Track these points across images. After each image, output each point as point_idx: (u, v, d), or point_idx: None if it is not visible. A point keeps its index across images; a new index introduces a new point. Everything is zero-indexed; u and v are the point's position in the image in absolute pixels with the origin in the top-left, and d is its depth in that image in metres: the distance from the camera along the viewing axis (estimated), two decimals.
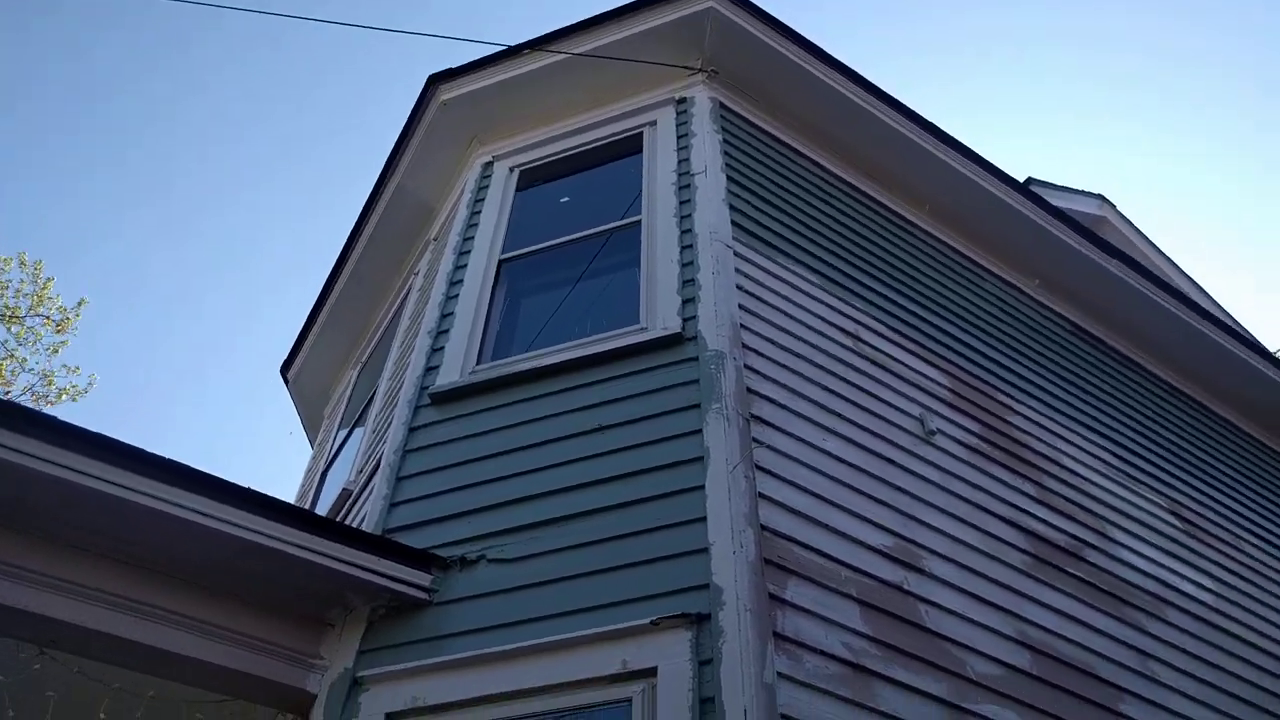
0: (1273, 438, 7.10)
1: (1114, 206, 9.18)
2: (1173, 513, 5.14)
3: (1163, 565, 4.62)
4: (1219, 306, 9.52)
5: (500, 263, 4.60)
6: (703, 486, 3.05)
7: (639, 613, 2.80)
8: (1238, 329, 8.95)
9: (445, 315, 4.37)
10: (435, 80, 5.41)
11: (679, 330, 3.63)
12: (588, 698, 2.67)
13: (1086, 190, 8.97)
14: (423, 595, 3.12)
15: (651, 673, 2.63)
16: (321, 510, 5.11)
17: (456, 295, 4.45)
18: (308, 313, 6.87)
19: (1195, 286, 9.49)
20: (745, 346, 3.63)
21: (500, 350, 4.16)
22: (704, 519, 2.96)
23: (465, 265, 4.62)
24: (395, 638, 3.05)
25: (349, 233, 6.34)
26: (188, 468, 2.92)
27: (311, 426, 7.40)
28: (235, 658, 2.94)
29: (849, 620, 2.99)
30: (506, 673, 2.80)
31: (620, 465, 3.29)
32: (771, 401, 3.53)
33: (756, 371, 3.59)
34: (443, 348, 4.15)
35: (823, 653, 2.81)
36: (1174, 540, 4.89)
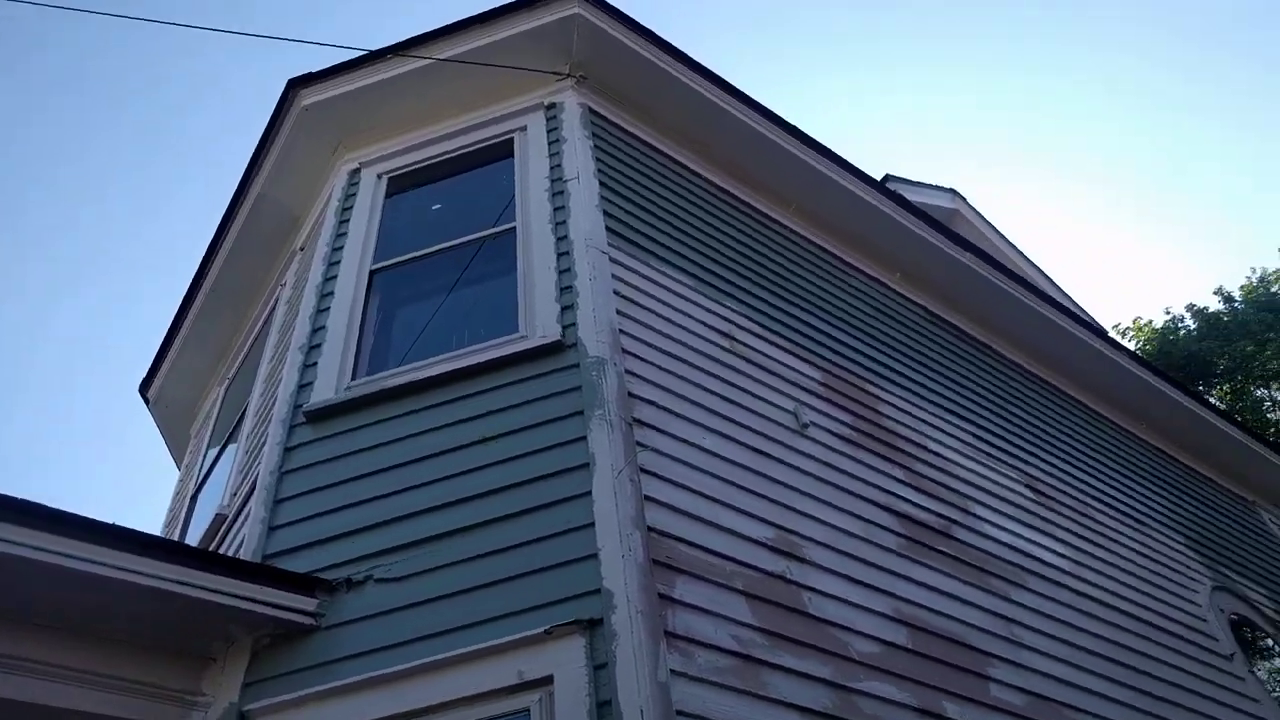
0: (1112, 410, 7.67)
1: (965, 200, 9.70)
2: (1028, 486, 5.50)
3: (1021, 536, 4.93)
4: (1061, 291, 10.20)
5: (372, 273, 4.51)
6: (589, 493, 3.09)
7: (533, 622, 2.82)
8: (1078, 312, 9.62)
9: (316, 329, 4.25)
10: (295, 84, 5.25)
11: (559, 338, 3.65)
12: (485, 711, 2.67)
13: (940, 185, 9.45)
14: (309, 621, 3.05)
15: (548, 681, 2.66)
16: (194, 536, 4.89)
17: (327, 308, 4.33)
18: (166, 328, 6.55)
19: (1040, 273, 10.13)
20: (625, 351, 3.68)
21: (376, 364, 4.09)
22: (592, 525, 3.00)
23: (335, 276, 4.51)
24: (282, 667, 2.96)
25: (209, 243, 6.07)
26: (43, 507, 2.75)
27: (177, 446, 7.05)
28: (114, 704, 2.80)
29: (736, 613, 3.08)
30: (401, 693, 2.76)
31: (505, 476, 3.29)
32: (652, 404, 3.59)
33: (636, 375, 3.65)
34: (315, 363, 4.04)
35: (713, 647, 2.90)
36: (1030, 512, 5.24)
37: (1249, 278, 22.65)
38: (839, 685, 3.15)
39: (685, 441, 3.57)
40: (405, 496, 3.34)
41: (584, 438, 3.27)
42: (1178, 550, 6.35)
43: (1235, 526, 7.66)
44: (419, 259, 4.60)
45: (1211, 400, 19.69)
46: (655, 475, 3.29)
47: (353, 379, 3.92)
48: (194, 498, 5.62)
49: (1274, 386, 20.18)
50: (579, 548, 2.98)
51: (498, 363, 3.68)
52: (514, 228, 4.39)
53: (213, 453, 5.68)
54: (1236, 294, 21.92)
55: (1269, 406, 20.62)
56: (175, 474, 6.90)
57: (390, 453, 3.52)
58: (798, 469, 3.98)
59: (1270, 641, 6.49)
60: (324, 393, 3.85)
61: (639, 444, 3.34)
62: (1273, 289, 21.47)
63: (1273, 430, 20.14)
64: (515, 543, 3.09)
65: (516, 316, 3.90)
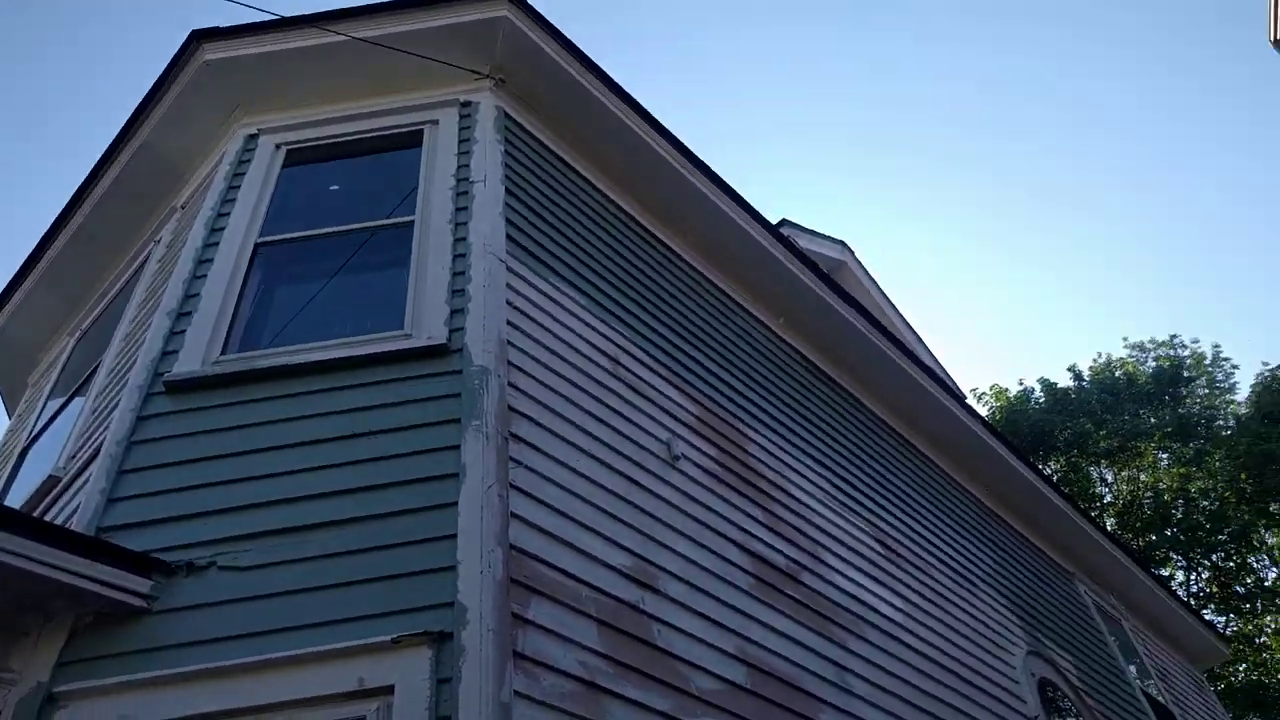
0: (958, 471, 8.10)
1: (853, 253, 10.08)
2: (877, 539, 5.74)
3: (865, 588, 5.15)
4: (929, 351, 10.72)
5: (257, 245, 4.34)
6: (456, 504, 3.06)
7: (380, 629, 2.77)
8: (942, 374, 10.12)
9: (190, 296, 4.06)
10: (199, 37, 5.01)
11: (444, 341, 3.61)
12: (320, 716, 2.60)
13: (831, 236, 9.80)
14: (139, 602, 2.90)
15: (388, 690, 2.61)
16: (18, 495, 4.57)
17: (204, 275, 4.15)
18: (19, 265, 6.10)
19: (913, 332, 10.62)
20: (510, 363, 3.67)
21: (249, 341, 3.94)
22: (454, 536, 2.97)
23: (217, 243, 4.32)
24: (104, 648, 2.81)
25: (81, 184, 5.70)
26: None
27: (11, 393, 6.58)
28: None
29: (586, 639, 3.11)
30: (230, 688, 2.66)
31: (371, 476, 3.23)
32: (531, 420, 3.59)
33: (519, 390, 3.64)
34: (184, 331, 3.86)
35: (559, 671, 2.91)
36: (875, 565, 5.47)
37: (1095, 360, 24.28)
38: (676, 719, 3.21)
39: (559, 462, 3.58)
40: (263, 484, 3.22)
41: (457, 447, 3.24)
42: (1000, 612, 6.75)
43: (1053, 594, 8.20)
44: (310, 238, 4.46)
45: (1046, 471, 21.02)
46: (524, 493, 3.28)
47: (222, 353, 3.76)
48: (23, 453, 5.25)
49: (1104, 464, 21.70)
50: (438, 559, 2.94)
51: (378, 358, 3.61)
52: (412, 221, 4.31)
53: (52, 406, 5.33)
54: (1086, 373, 23.47)
55: (1097, 483, 22.15)
56: (3, 422, 6.43)
57: (252, 436, 3.40)
58: (664, 500, 4.04)
59: (1069, 704, 6.95)
60: (189, 364, 3.68)
61: (513, 459, 3.33)
62: (1116, 373, 23.09)
63: (1098, 507, 21.65)
64: (372, 545, 3.03)
65: (403, 313, 3.83)
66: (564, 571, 3.22)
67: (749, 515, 4.61)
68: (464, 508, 3.04)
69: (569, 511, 3.44)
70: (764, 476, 5.01)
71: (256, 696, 2.64)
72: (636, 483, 3.94)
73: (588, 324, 4.42)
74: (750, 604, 4.10)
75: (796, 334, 6.64)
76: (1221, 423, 21.64)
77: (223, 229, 4.38)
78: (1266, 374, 21.90)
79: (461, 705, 2.56)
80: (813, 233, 9.40)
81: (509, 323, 3.83)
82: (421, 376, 3.54)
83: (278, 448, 3.34)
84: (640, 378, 4.53)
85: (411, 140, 4.82)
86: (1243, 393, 23.34)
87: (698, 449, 4.59)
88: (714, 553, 4.12)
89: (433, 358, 3.58)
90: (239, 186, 4.61)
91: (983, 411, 23.27)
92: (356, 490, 3.20)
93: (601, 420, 4.00)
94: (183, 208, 5.10)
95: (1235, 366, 23.25)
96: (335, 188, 4.91)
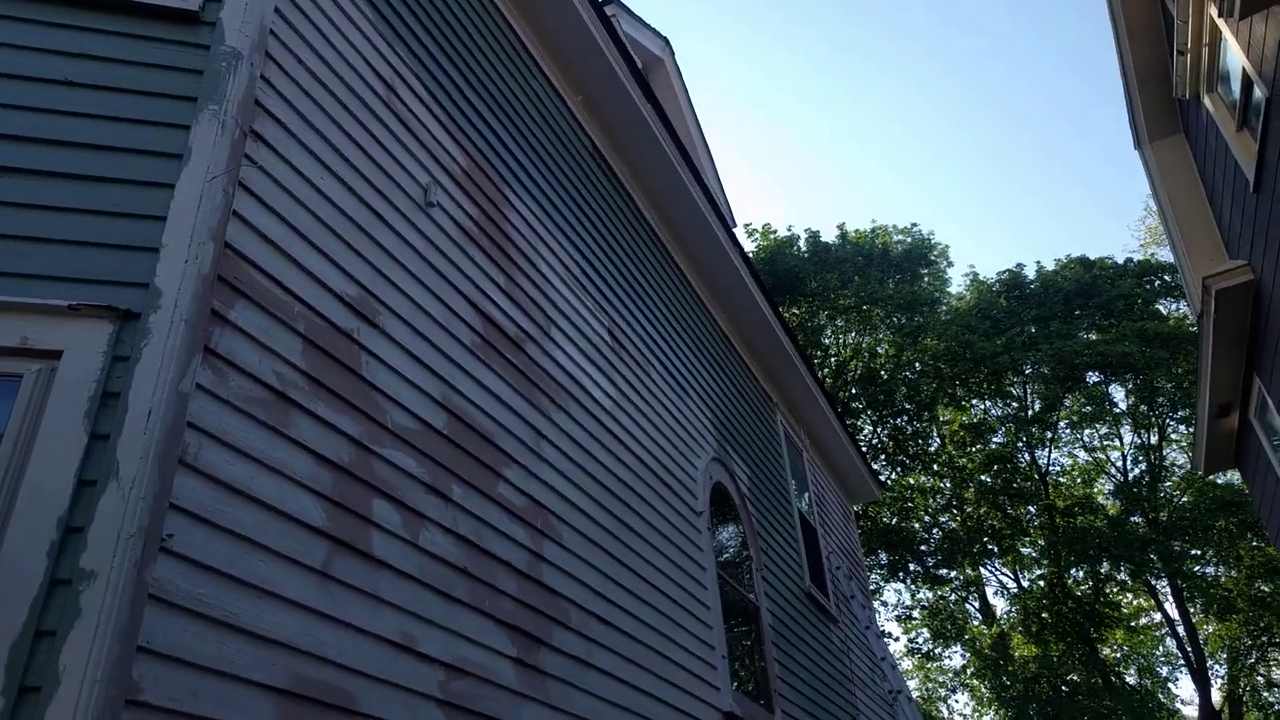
0: (704, 288, 8.60)
1: (674, 55, 9.93)
2: (609, 330, 6.05)
3: (583, 369, 5.46)
4: (716, 174, 10.99)
5: None
6: (173, 186, 2.88)
7: (61, 293, 2.63)
8: (717, 197, 10.44)
9: None
10: None
11: (196, 9, 3.25)
12: None
13: (657, 30, 9.57)
14: None
15: (55, 355, 2.52)
16: None
17: None
18: None
19: (706, 151, 10.79)
20: (269, 56, 3.38)
21: None
22: (164, 219, 2.82)
23: None
24: None
25: None
26: None
27: None
28: None
29: (289, 353, 3.11)
30: None
31: (86, 133, 2.94)
32: (279, 123, 3.37)
33: (272, 86, 3.38)
34: None
35: (252, 376, 2.91)
36: (600, 353, 5.79)
37: (860, 230, 25.93)
38: (362, 445, 3.34)
39: (300, 174, 3.42)
40: None
41: (188, 128, 3.01)
42: (701, 420, 7.43)
43: (752, 416, 9.10)
44: None
45: (787, 313, 22.69)
46: (254, 195, 3.13)
47: None
48: None
49: (839, 319, 23.73)
50: (141, 237, 2.79)
51: (116, 5, 3.20)
52: None
53: None
54: (851, 235, 25.08)
55: (828, 334, 24.24)
56: None
57: None
58: (406, 242, 4.00)
59: (732, 507, 7.91)
60: None
61: (248, 157, 3.14)
62: (876, 242, 24.85)
63: (821, 354, 23.80)
64: (72, 207, 2.82)
65: None
66: (280, 284, 3.16)
67: (490, 278, 4.68)
68: (181, 192, 2.87)
69: (300, 227, 3.33)
70: (515, 245, 5.06)
71: None
72: (381, 217, 3.86)
73: (370, 40, 4.13)
74: (468, 359, 4.24)
75: (590, 116, 6.57)
76: (945, 308, 24.17)
77: None
78: (995, 278, 24.45)
79: (134, 385, 2.52)
80: (639, 20, 9.13)
81: (277, 10, 3.50)
82: (163, 40, 3.20)
83: None
84: (414, 113, 4.34)
85: None
86: (961, 285, 25.96)
87: (456, 202, 4.53)
88: (444, 304, 4.18)
89: (178, 22, 3.23)
90: None
91: (749, 245, 24.48)
92: (67, 144, 2.92)
93: (358, 144, 3.83)
94: None
95: (952, 264, 25.86)
96: None
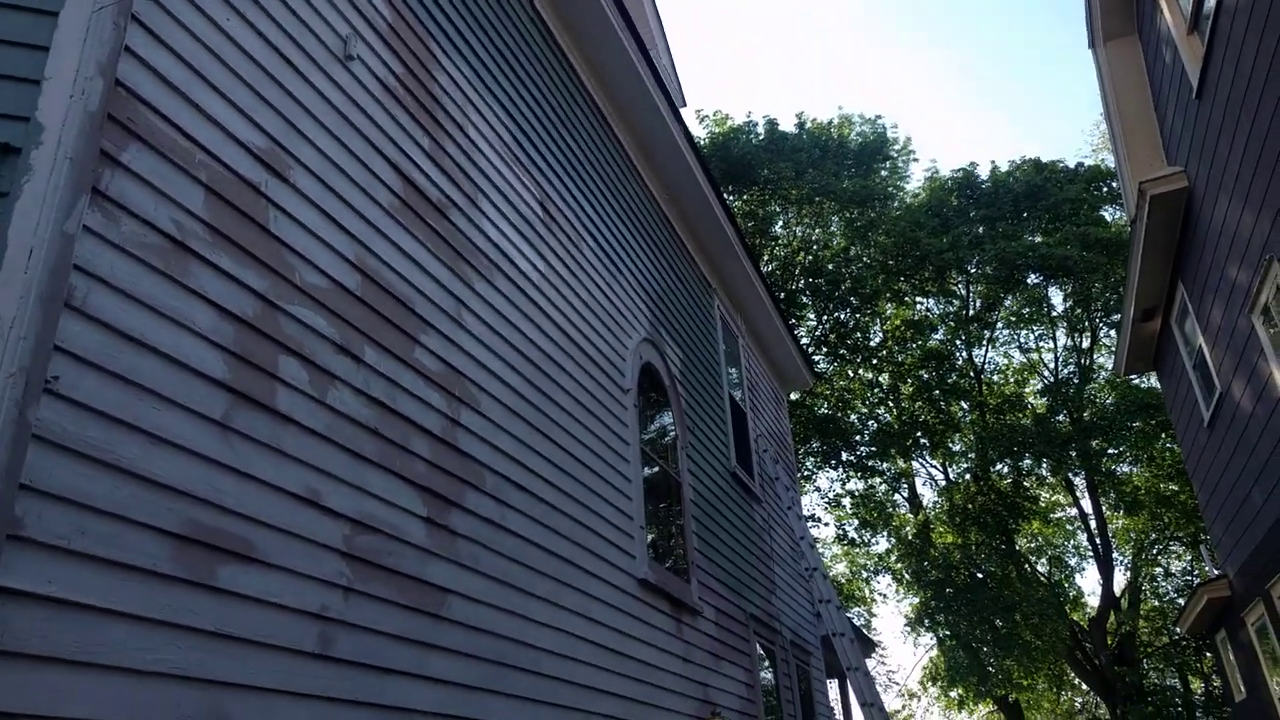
0: (646, 167, 8.49)
1: None
2: (540, 202, 5.97)
3: (511, 240, 5.40)
4: (669, 53, 10.69)
5: None
6: (57, 14, 2.72)
7: None
8: (667, 76, 10.19)
9: None
10: None
11: None
12: None
13: None
14: None
15: None
16: None
17: None
18: None
19: (660, 28, 10.46)
20: None
21: None
22: (47, 50, 2.67)
23: None
24: None
25: None
26: None
27: None
28: None
29: (188, 201, 3.02)
30: None
31: None
32: None
33: None
34: None
35: (146, 222, 2.83)
36: (529, 224, 5.72)
37: (824, 120, 25.57)
38: (269, 301, 3.30)
39: (203, 13, 3.24)
40: None
41: None
42: (634, 299, 7.45)
43: (688, 299, 9.14)
44: None
45: (736, 201, 22.53)
46: (150, 31, 2.98)
47: None
48: None
49: (790, 210, 23.66)
50: (23, 67, 2.65)
51: None
52: None
53: None
54: (809, 124, 24.76)
55: (778, 224, 24.19)
56: None
57: None
58: (323, 95, 3.86)
59: (662, 388, 8.03)
60: None
61: None
62: (833, 133, 24.60)
63: (769, 243, 23.81)
64: None
65: None
66: (180, 129, 3.04)
67: (414, 140, 4.56)
68: (66, 21, 2.72)
69: (202, 70, 3.19)
70: (443, 108, 4.92)
71: None
72: (294, 66, 3.70)
73: None
74: (386, 222, 4.16)
75: None
76: (896, 204, 24.21)
77: None
78: (949, 177, 24.48)
79: (15, 223, 2.44)
80: None
81: None
82: None
83: None
84: None
85: None
86: (918, 181, 25.98)
87: (379, 57, 4.37)
88: (362, 163, 4.07)
89: None
90: None
91: (702, 132, 24.06)
92: None
93: None
94: None
95: (916, 159, 25.77)
96: None
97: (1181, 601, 23.85)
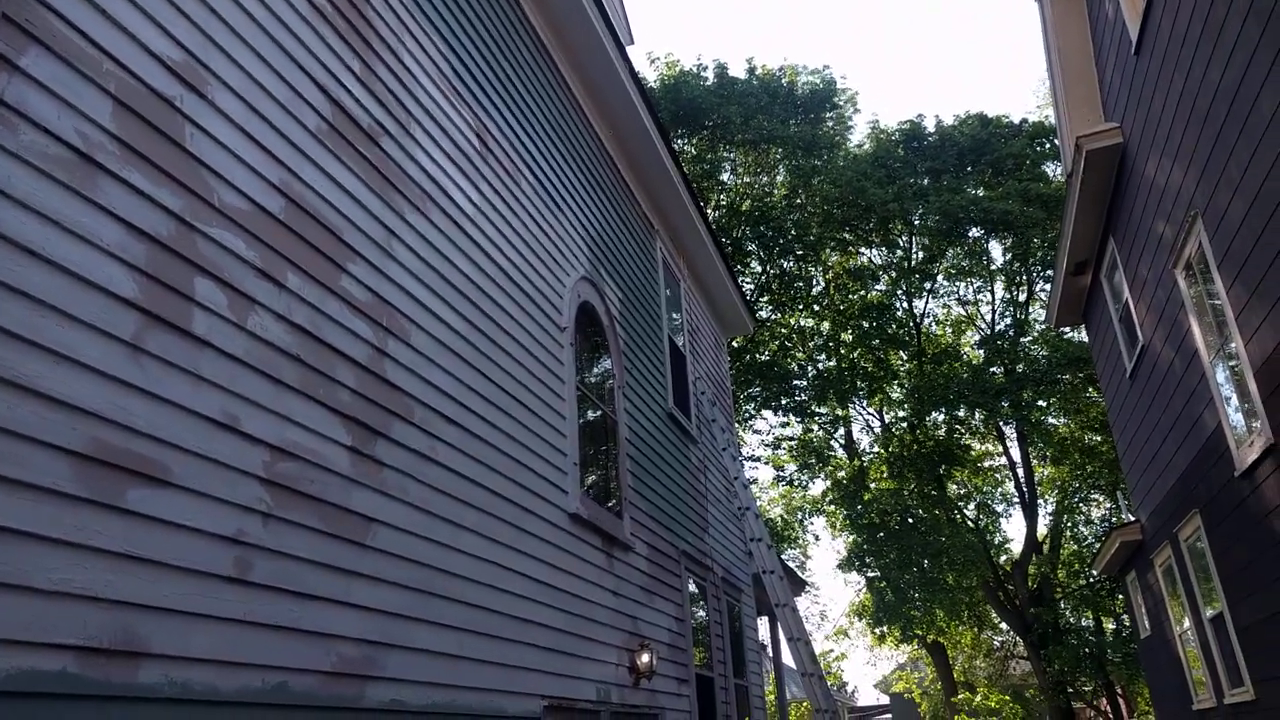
0: (591, 106, 8.37)
1: None
2: (477, 134, 5.86)
3: (445, 171, 5.31)
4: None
5: None
6: None
7: None
8: (619, 24, 10.00)
9: None
10: None
11: None
12: None
13: None
14: None
15: None
16: None
17: None
18: None
19: None
20: None
21: None
22: None
23: None
24: None
25: None
26: None
27: None
28: None
29: (96, 113, 2.90)
30: None
31: None
32: None
33: None
34: None
35: (49, 132, 2.72)
36: (465, 156, 5.62)
37: (776, 68, 25.40)
38: (185, 221, 3.20)
39: None
40: None
41: None
42: (574, 237, 7.39)
43: (630, 240, 9.11)
44: None
45: (683, 146, 22.39)
46: None
47: None
48: None
49: (736, 155, 23.58)
50: None
51: None
52: None
53: None
54: (759, 70, 24.59)
55: (725, 170, 24.11)
56: None
57: None
58: (243, 9, 3.71)
59: (600, 327, 8.03)
60: None
61: None
62: (783, 81, 24.47)
63: (715, 188, 23.75)
64: None
65: None
66: (86, 36, 2.91)
67: (344, 64, 4.42)
68: None
69: None
70: (377, 33, 4.77)
71: None
72: None
73: None
74: (313, 146, 4.05)
75: None
76: (843, 154, 24.27)
77: None
78: (895, 129, 24.58)
79: None
80: None
81: None
82: None
83: None
84: None
85: None
86: (862, 132, 26.03)
87: None
88: (288, 84, 3.95)
89: None
90: None
91: (651, 74, 23.75)
92: None
93: None
94: None
95: (859, 110, 25.79)
96: None
97: (1098, 546, 24.94)
